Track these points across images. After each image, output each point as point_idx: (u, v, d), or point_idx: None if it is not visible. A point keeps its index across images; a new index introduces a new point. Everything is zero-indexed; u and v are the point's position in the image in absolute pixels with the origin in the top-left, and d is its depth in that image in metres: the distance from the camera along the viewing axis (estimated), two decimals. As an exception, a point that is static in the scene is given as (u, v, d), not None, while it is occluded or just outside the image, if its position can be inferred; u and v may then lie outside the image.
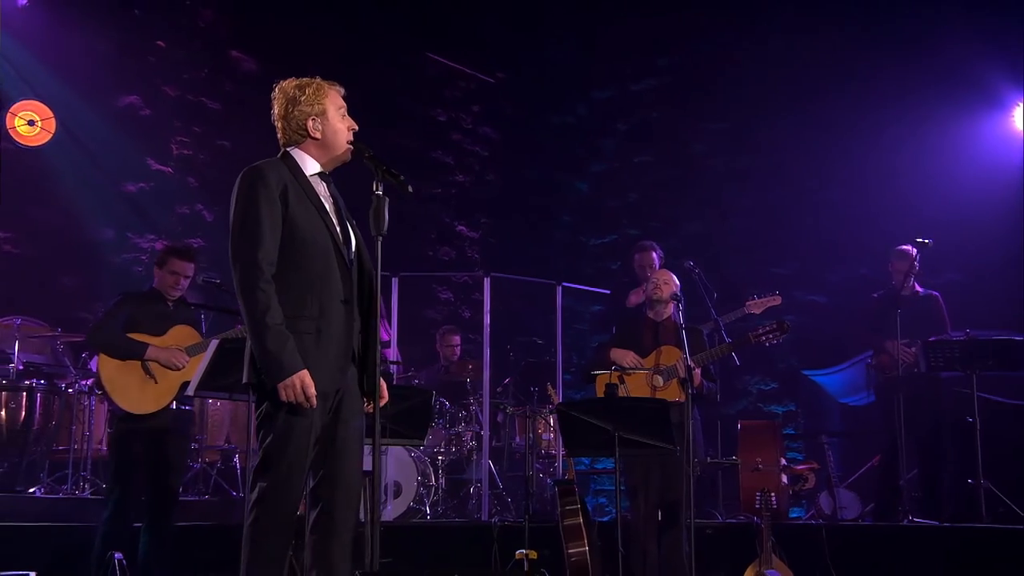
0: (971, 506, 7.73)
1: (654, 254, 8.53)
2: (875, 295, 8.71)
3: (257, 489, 4.06)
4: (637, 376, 6.78)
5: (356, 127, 4.35)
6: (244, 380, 4.18)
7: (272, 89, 4.38)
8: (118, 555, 5.95)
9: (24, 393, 7.93)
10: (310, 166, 4.30)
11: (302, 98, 4.27)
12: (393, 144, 11.81)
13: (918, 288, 8.50)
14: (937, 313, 8.40)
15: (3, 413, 7.91)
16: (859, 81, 11.03)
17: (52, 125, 9.91)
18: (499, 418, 9.53)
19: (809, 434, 10.87)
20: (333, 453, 4.17)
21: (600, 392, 6.75)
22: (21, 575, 5.41)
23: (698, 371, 6.61)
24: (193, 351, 6.42)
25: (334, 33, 11.46)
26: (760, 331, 6.82)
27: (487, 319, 9.08)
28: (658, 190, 12.23)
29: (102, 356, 6.38)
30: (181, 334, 6.52)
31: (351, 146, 4.33)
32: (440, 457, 8.68)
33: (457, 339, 10.29)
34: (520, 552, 6.73)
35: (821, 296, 11.43)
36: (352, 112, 4.39)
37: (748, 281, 9.08)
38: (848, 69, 11.12)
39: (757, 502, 7.04)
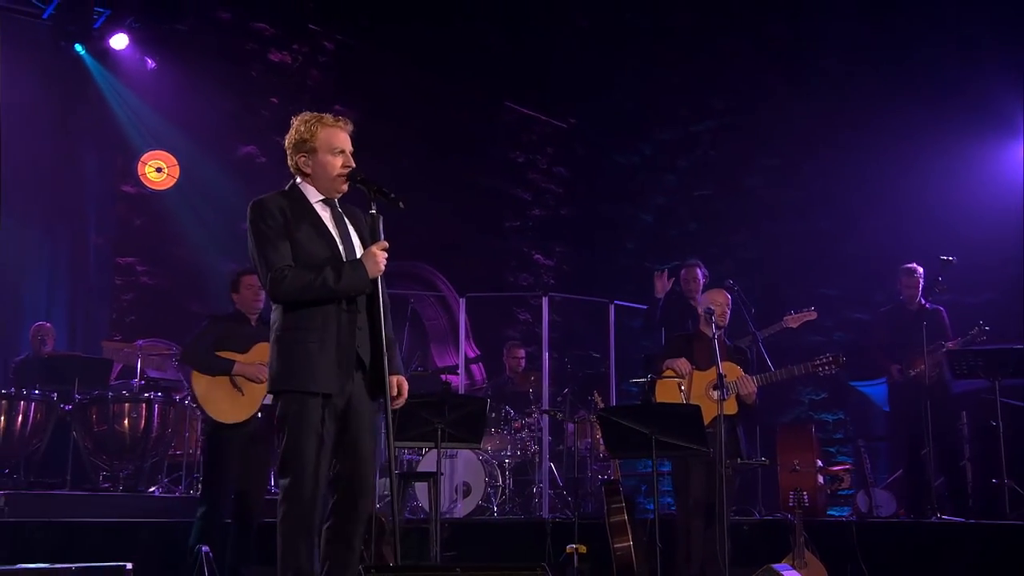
0: (995, 504, 7.38)
1: (699, 271, 8.33)
2: (882, 310, 8.36)
3: (281, 488, 3.98)
4: (697, 386, 6.49)
5: (352, 164, 4.18)
6: (268, 389, 4.11)
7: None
8: (205, 548, 5.85)
9: (144, 404, 7.96)
10: (312, 195, 4.21)
11: (297, 136, 4.18)
12: (479, 183, 11.84)
13: (924, 303, 8.06)
14: (940, 326, 7.99)
15: (127, 422, 7.92)
16: (896, 116, 10.58)
17: (177, 171, 10.04)
18: (568, 427, 9.31)
19: (849, 439, 10.46)
20: (344, 452, 4.05)
21: (661, 398, 6.52)
22: (118, 566, 5.27)
23: (755, 389, 6.38)
24: None
25: (425, 88, 11.41)
26: (818, 362, 6.54)
27: (545, 333, 8.99)
28: (715, 220, 11.93)
29: (195, 373, 6.34)
30: (263, 351, 6.41)
31: (342, 179, 4.17)
32: (507, 460, 8.48)
33: (522, 352, 10.07)
34: (570, 546, 6.56)
35: (865, 314, 10.95)
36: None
37: (798, 301, 8.74)
38: (886, 106, 10.70)
39: (791, 500, 6.70)
